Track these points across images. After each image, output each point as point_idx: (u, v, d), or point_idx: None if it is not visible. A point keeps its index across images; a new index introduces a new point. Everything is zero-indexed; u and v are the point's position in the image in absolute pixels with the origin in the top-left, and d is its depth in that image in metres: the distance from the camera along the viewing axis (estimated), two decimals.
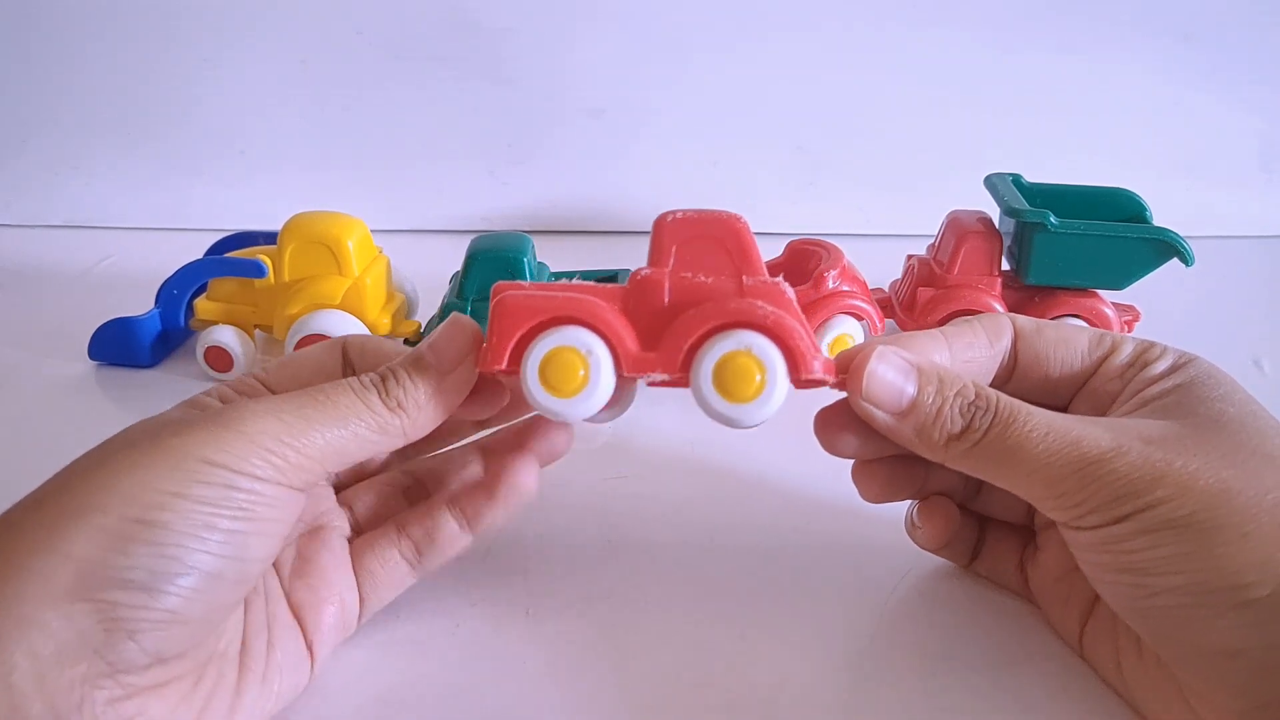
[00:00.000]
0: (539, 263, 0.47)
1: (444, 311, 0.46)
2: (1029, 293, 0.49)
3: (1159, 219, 0.49)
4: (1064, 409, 0.30)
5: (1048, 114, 0.64)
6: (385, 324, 0.47)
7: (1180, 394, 0.28)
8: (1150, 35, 0.63)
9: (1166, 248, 0.46)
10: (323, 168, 0.65)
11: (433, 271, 0.51)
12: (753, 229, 0.30)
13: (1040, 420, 0.27)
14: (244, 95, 0.64)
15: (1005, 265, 0.49)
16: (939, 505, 0.33)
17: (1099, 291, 0.48)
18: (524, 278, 0.45)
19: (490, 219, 0.67)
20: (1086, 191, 0.50)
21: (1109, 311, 0.48)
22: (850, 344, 0.46)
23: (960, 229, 0.49)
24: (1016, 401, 0.28)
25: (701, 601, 0.33)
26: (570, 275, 0.49)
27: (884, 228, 0.65)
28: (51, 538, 0.23)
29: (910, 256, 0.52)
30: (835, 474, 0.34)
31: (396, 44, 0.62)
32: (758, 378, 0.28)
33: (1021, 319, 0.31)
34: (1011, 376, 0.31)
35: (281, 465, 0.25)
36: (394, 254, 0.50)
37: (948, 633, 0.32)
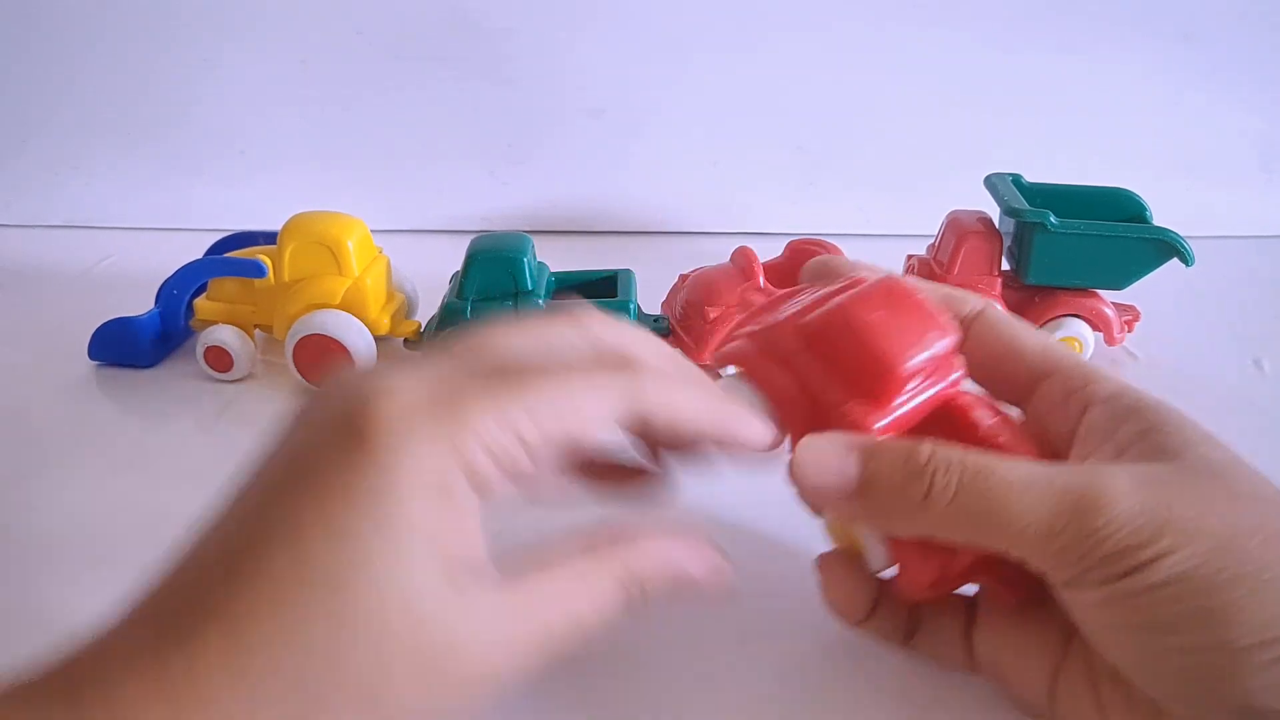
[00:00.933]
0: (539, 263, 0.47)
1: (444, 311, 0.46)
2: (1029, 293, 0.49)
3: (1159, 219, 0.49)
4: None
5: (1048, 114, 0.64)
6: (385, 324, 0.47)
7: (1159, 436, 0.26)
8: (1150, 35, 0.63)
9: (1167, 248, 0.46)
10: (323, 168, 0.65)
11: (433, 271, 0.51)
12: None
13: (1022, 471, 0.25)
14: (244, 95, 0.64)
15: (1005, 265, 0.49)
16: (835, 560, 0.30)
17: (1099, 291, 0.48)
18: (524, 277, 0.45)
19: (490, 219, 0.67)
20: (1086, 191, 0.50)
21: (1109, 311, 0.48)
22: None
23: (960, 229, 0.49)
24: (984, 455, 0.26)
25: (701, 602, 0.33)
26: (571, 276, 0.49)
27: (884, 228, 0.65)
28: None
29: (910, 256, 0.52)
30: None
31: (396, 44, 0.62)
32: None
33: (996, 310, 0.31)
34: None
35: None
36: (394, 254, 0.50)
37: None
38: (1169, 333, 0.41)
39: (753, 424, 0.28)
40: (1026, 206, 0.47)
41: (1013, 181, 0.51)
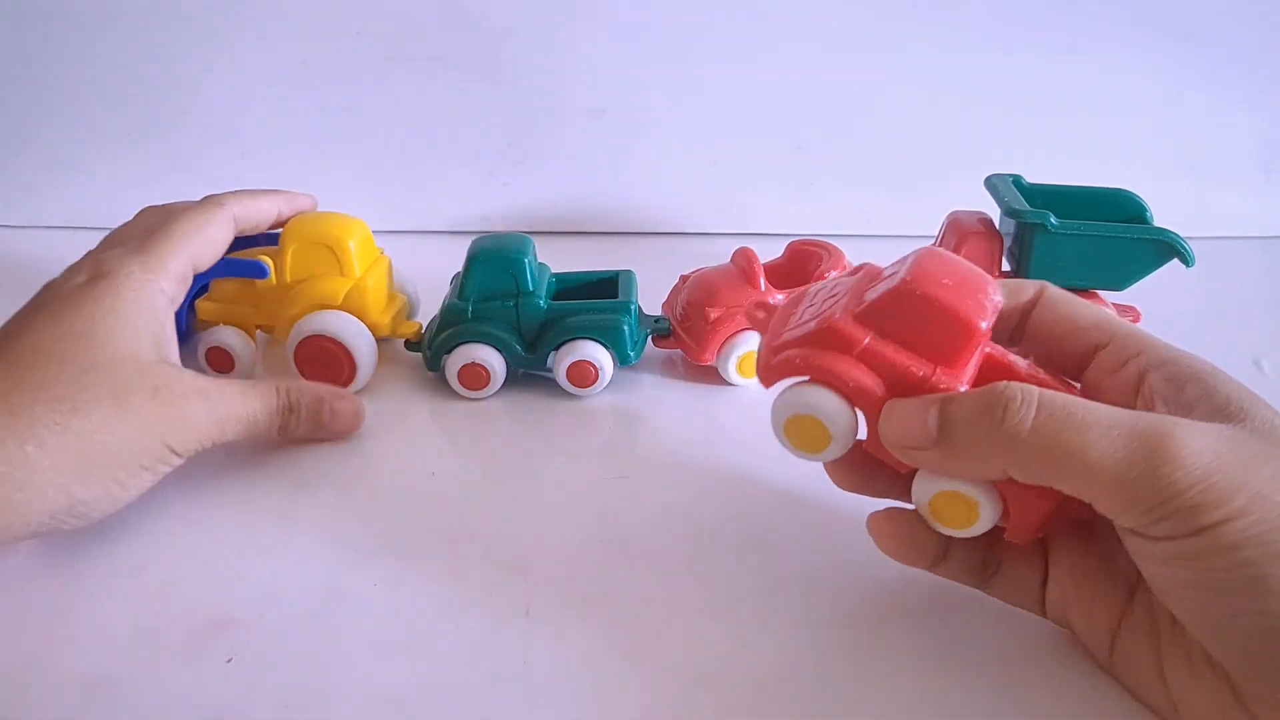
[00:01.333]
0: (540, 263, 0.47)
1: (445, 312, 0.46)
2: None
3: (1159, 219, 0.49)
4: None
5: (1048, 114, 0.64)
6: (386, 325, 0.47)
7: (1220, 399, 0.27)
8: (1150, 35, 0.63)
9: (1167, 248, 0.46)
10: (323, 168, 0.65)
11: (434, 272, 0.51)
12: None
13: (1099, 411, 0.25)
14: (244, 95, 0.64)
15: (1006, 266, 0.49)
16: (888, 520, 0.31)
17: (1099, 292, 0.48)
18: (525, 278, 0.45)
19: (490, 219, 0.67)
20: (1086, 192, 0.50)
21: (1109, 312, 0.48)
22: None
23: (961, 230, 0.49)
24: (1061, 394, 0.26)
25: (701, 601, 0.33)
26: (572, 276, 0.49)
27: (884, 228, 0.65)
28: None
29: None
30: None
31: (396, 44, 0.62)
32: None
33: (1053, 290, 0.31)
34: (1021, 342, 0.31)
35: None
36: (395, 255, 0.50)
37: (948, 631, 0.32)
38: (1169, 333, 0.41)
39: (299, 196, 0.48)
40: (1027, 207, 0.47)
41: (1013, 182, 0.51)
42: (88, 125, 0.64)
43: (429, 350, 0.46)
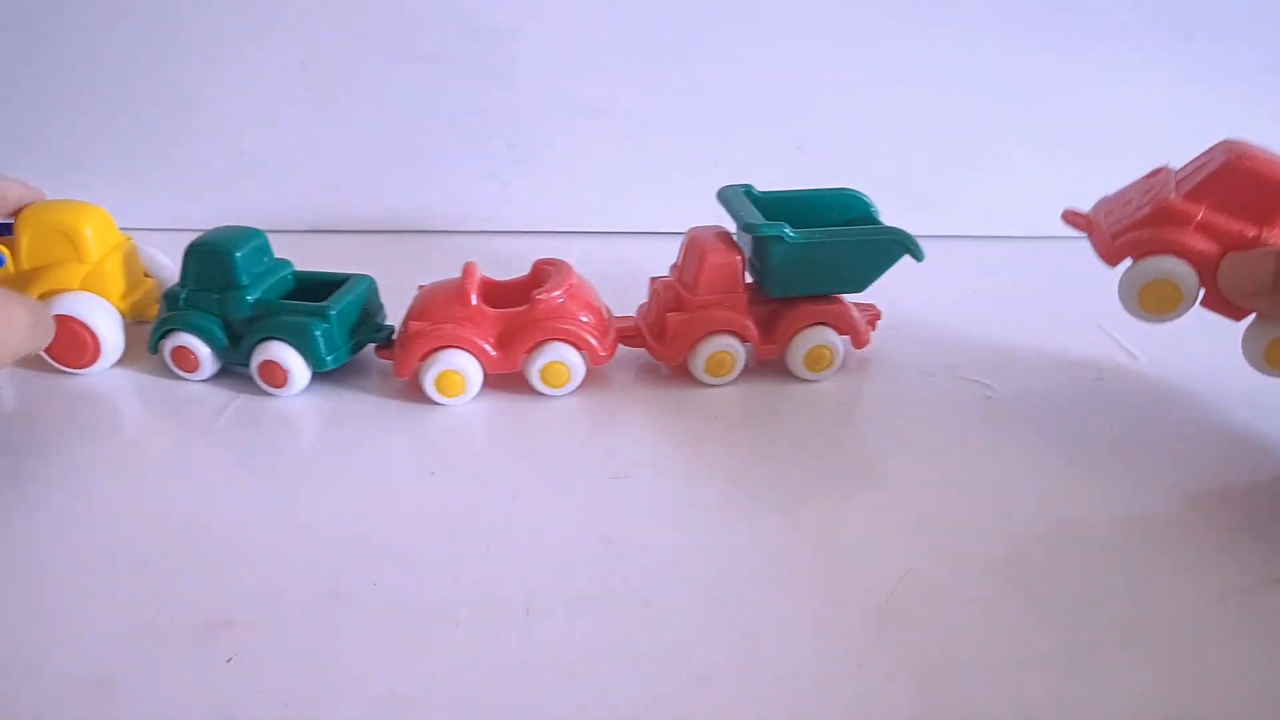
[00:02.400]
0: (278, 260, 0.48)
1: (165, 298, 0.47)
2: (774, 305, 0.47)
3: None
4: None
5: (1047, 113, 0.64)
6: (127, 308, 0.48)
7: None
8: (1150, 35, 0.63)
9: (899, 246, 0.46)
10: (323, 168, 0.65)
11: (433, 272, 0.51)
12: None
13: None
14: (244, 95, 0.64)
15: (748, 279, 0.48)
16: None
17: (840, 296, 0.48)
18: (234, 273, 0.45)
19: (490, 219, 0.67)
20: (814, 196, 0.49)
21: (854, 314, 0.48)
22: (564, 371, 0.45)
23: (700, 248, 0.47)
24: None
25: (701, 601, 0.33)
26: (311, 275, 0.48)
27: None
28: None
29: (654, 280, 0.51)
30: (836, 474, 0.34)
31: (397, 44, 0.62)
32: None
33: None
34: None
35: None
36: (392, 254, 0.50)
37: (947, 633, 0.32)
38: (1168, 332, 0.41)
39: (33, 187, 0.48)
40: (762, 220, 0.46)
41: (745, 193, 0.49)
42: (88, 126, 0.64)
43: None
